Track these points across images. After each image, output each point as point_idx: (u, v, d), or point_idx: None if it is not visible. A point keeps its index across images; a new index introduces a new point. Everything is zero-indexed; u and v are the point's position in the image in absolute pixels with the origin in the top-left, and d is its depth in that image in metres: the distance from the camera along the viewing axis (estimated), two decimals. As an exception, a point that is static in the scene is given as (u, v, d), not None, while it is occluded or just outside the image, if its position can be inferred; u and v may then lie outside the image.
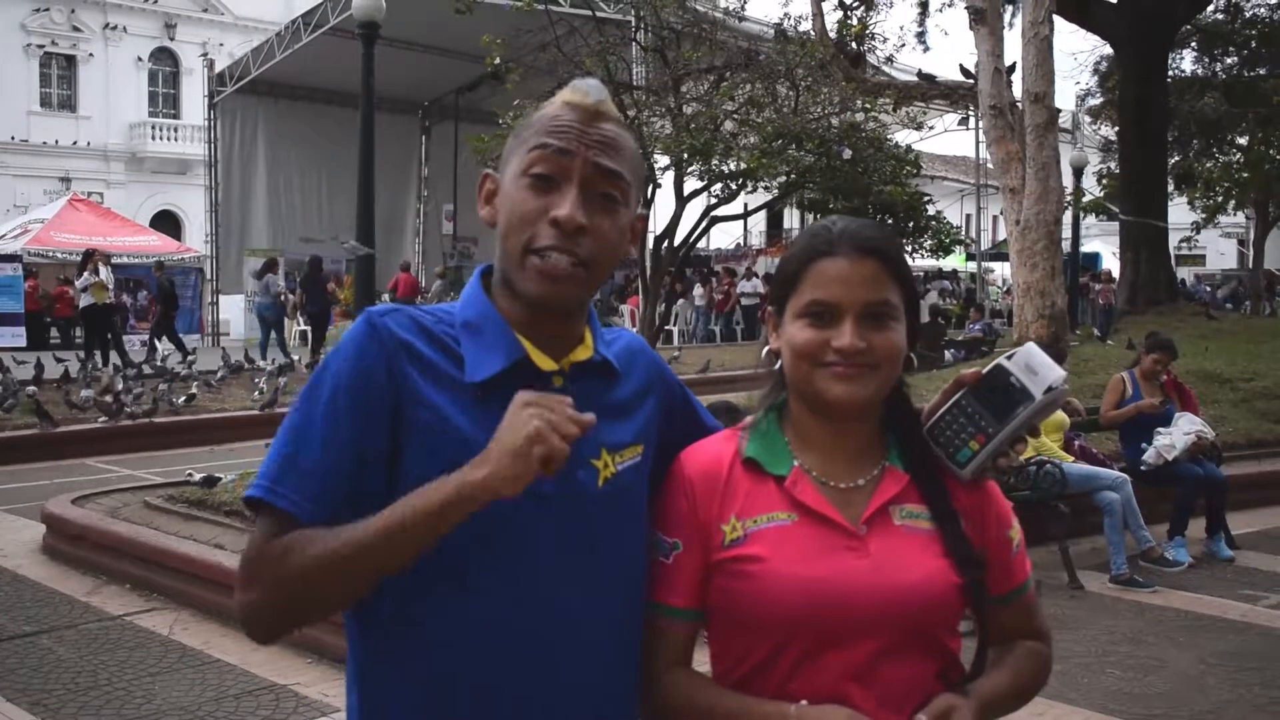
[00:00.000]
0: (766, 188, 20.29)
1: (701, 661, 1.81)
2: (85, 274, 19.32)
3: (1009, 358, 1.76)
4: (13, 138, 37.36)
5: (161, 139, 40.37)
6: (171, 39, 41.22)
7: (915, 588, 1.66)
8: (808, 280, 1.71)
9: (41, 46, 38.64)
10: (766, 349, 1.82)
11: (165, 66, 41.72)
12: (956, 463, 1.75)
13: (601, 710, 1.69)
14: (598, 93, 1.68)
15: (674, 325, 27.07)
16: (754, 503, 1.72)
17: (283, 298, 22.84)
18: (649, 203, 18.38)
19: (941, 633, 1.71)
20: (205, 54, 38.18)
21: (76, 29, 39.19)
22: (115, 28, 39.64)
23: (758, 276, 29.05)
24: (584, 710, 1.66)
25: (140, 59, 40.66)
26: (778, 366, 1.79)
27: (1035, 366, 1.73)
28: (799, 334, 1.71)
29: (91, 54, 39.52)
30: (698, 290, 28.41)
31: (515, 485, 1.46)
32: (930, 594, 1.67)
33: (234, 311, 28.91)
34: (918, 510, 1.72)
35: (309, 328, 23.02)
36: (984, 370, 1.77)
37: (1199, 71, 27.48)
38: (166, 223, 38.47)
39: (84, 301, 19.43)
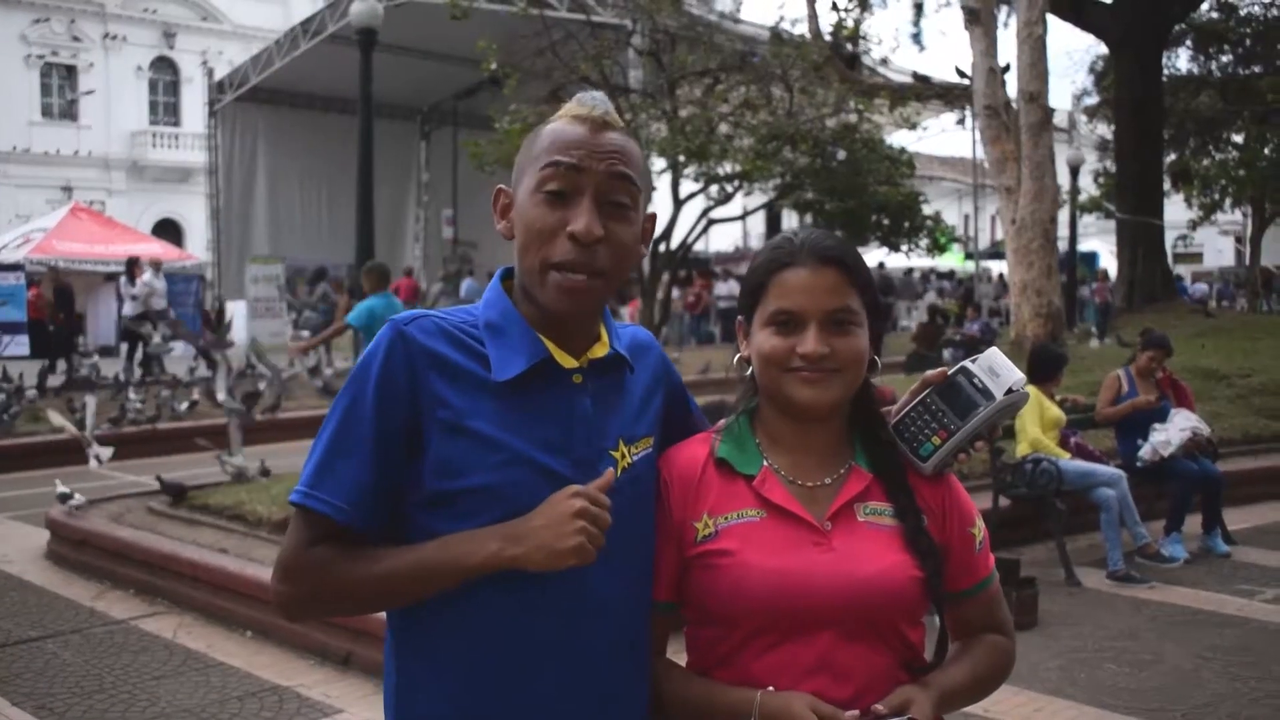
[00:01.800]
0: (762, 189, 20.34)
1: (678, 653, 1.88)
2: (139, 283, 19.21)
3: (973, 360, 1.86)
4: (14, 148, 37.44)
5: (162, 147, 40.44)
6: (171, 48, 41.28)
7: (876, 579, 1.74)
8: (772, 290, 1.80)
9: (42, 57, 38.71)
10: (738, 356, 1.90)
11: (165, 75, 41.80)
12: (920, 456, 1.84)
13: (620, 684, 1.78)
14: (603, 104, 1.77)
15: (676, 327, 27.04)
16: (725, 501, 1.80)
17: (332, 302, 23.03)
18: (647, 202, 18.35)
19: (903, 623, 1.79)
20: (205, 62, 38.23)
21: (76, 39, 39.26)
22: (115, 37, 39.72)
23: (735, 278, 28.72)
24: (605, 683, 1.76)
25: (140, 68, 40.74)
26: (749, 373, 1.87)
27: (997, 369, 1.83)
28: (766, 342, 1.79)
29: (92, 63, 39.59)
30: (674, 293, 27.94)
31: (547, 565, 1.61)
32: (890, 585, 1.74)
33: (236, 318, 28.94)
34: (881, 507, 1.80)
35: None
36: (949, 371, 1.87)
37: (1194, 70, 27.50)
38: (168, 230, 38.51)
39: (132, 310, 19.27)
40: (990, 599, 1.90)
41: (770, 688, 1.71)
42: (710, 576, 1.77)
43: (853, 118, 18.79)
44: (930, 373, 1.89)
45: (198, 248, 33.81)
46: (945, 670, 1.82)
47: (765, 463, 1.83)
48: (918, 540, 1.78)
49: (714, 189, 18.47)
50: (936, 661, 1.84)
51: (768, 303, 1.80)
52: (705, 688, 1.79)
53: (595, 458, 1.72)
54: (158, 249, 27.09)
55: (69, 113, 39.61)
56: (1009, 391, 1.81)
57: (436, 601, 1.70)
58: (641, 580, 1.81)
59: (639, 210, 1.78)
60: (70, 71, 39.55)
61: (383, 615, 1.80)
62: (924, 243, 21.46)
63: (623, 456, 1.77)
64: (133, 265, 19.63)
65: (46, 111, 39.13)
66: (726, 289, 27.77)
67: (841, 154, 17.60)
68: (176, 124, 41.47)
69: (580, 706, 1.73)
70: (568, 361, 1.74)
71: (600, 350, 1.79)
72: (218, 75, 30.30)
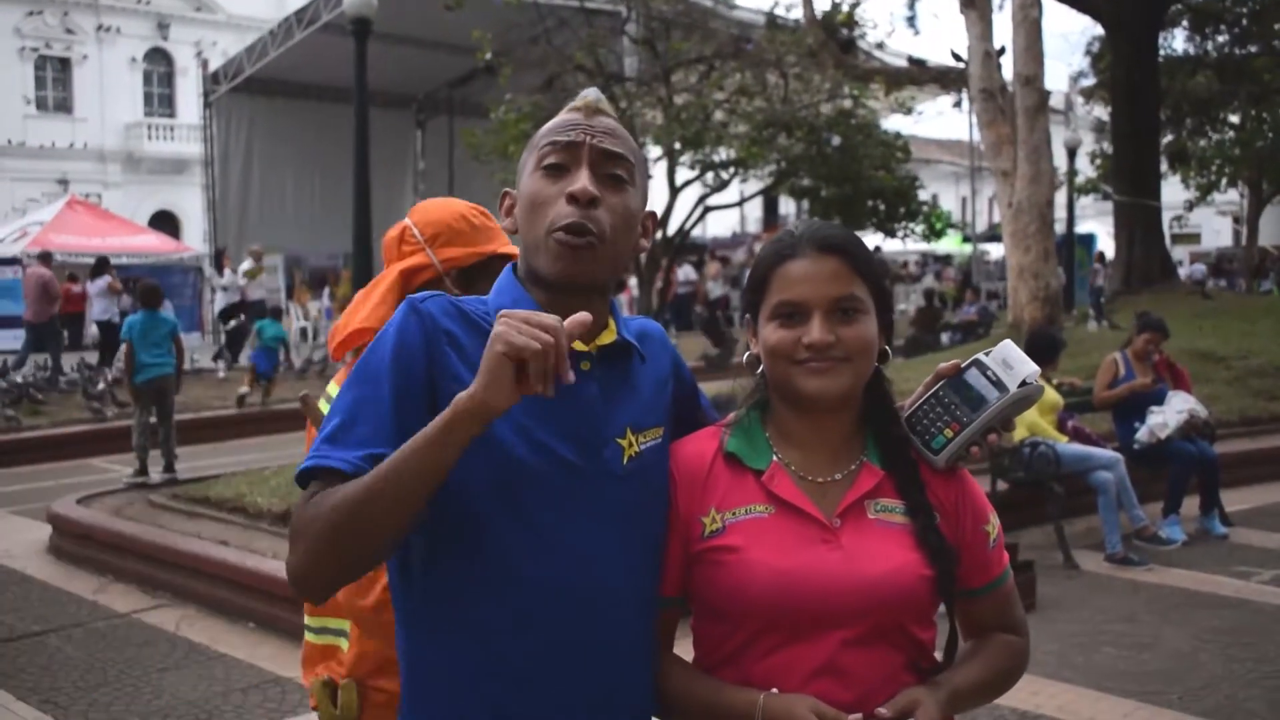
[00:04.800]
0: (758, 176, 20.35)
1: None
2: (227, 273, 19.43)
3: (986, 353, 1.85)
4: (9, 141, 37.32)
5: (158, 139, 40.34)
6: (165, 39, 41.13)
7: (885, 579, 1.71)
8: (775, 283, 1.78)
9: (35, 49, 38.57)
10: (748, 353, 1.89)
11: (159, 67, 41.67)
12: (931, 449, 1.82)
13: (625, 670, 1.78)
14: (595, 94, 1.82)
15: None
16: (733, 495, 1.78)
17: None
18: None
19: (912, 624, 1.76)
20: (199, 53, 38.11)
21: (70, 31, 39.12)
22: (108, 29, 39.57)
23: (691, 264, 28.37)
24: (610, 668, 1.75)
25: (134, 59, 40.60)
26: (760, 369, 1.85)
27: (1011, 361, 1.81)
28: (772, 335, 1.78)
29: (86, 55, 39.44)
30: (632, 281, 25.59)
31: (495, 392, 1.47)
32: (900, 585, 1.71)
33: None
34: (893, 504, 1.78)
35: None
36: (962, 363, 1.85)
37: (1190, 50, 27.44)
38: (165, 222, 38.43)
39: (223, 301, 19.43)
40: (1003, 597, 1.87)
41: (774, 690, 1.69)
42: (715, 573, 1.75)
43: (847, 103, 18.78)
44: (943, 365, 1.86)
45: (195, 239, 33.75)
46: (955, 670, 1.80)
47: (775, 457, 1.80)
48: (928, 538, 1.75)
49: (709, 176, 18.48)
50: (946, 662, 1.81)
51: (771, 296, 1.78)
52: (710, 687, 1.77)
53: (601, 445, 1.73)
54: (154, 241, 27.11)
55: (64, 105, 39.51)
56: (1023, 384, 1.79)
57: (442, 592, 1.71)
58: (651, 572, 1.81)
59: (636, 187, 1.79)
60: (64, 64, 39.43)
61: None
62: (920, 228, 21.48)
63: (630, 445, 1.77)
64: (221, 256, 19.86)
65: (41, 104, 39.01)
66: (683, 274, 27.36)
67: (836, 140, 17.59)
68: (172, 115, 41.35)
69: (588, 698, 1.73)
70: (577, 345, 1.73)
71: (608, 337, 1.79)
72: (212, 66, 30.21)
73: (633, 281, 23.40)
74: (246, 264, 19.81)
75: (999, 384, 1.80)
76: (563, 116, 1.80)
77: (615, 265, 1.78)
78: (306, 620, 2.59)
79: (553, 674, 1.71)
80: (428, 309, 1.71)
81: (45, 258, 17.90)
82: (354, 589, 2.31)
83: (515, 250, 2.48)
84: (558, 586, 1.70)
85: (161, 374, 10.10)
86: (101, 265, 18.63)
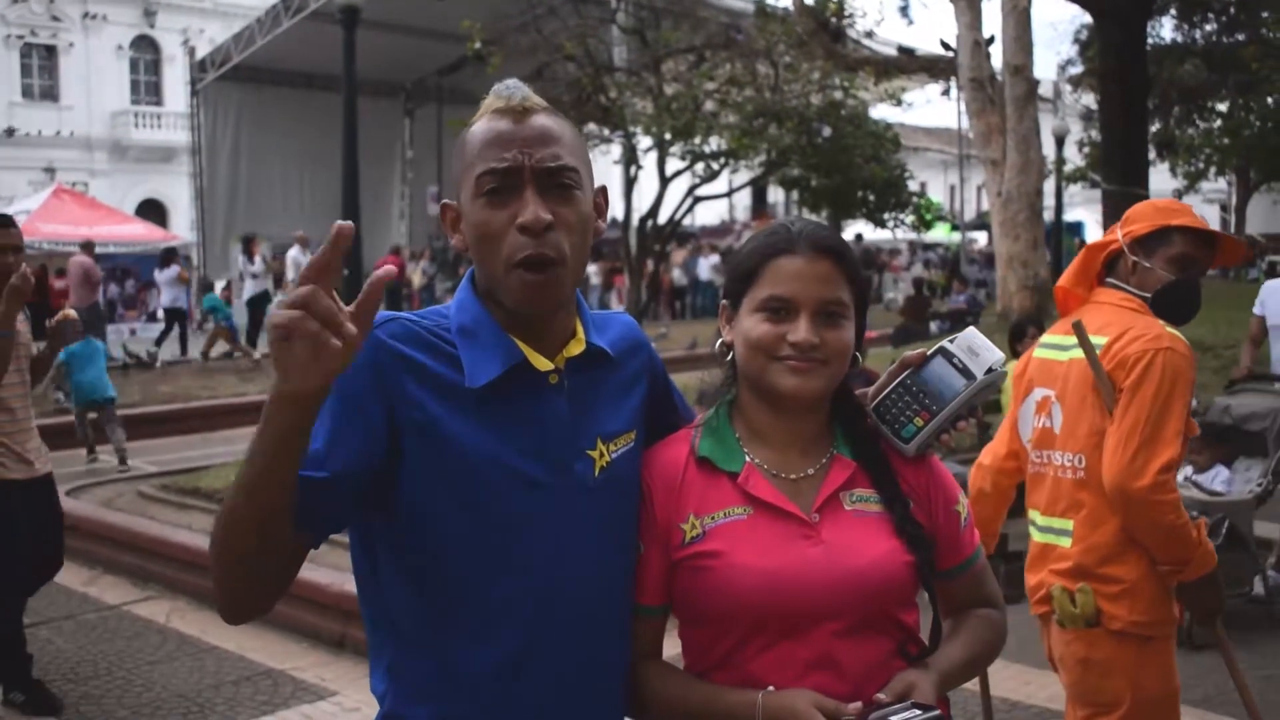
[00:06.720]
0: (748, 166, 20.34)
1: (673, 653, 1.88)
2: (257, 260, 19.73)
3: (951, 340, 1.86)
4: (-5, 129, 37.15)
5: (144, 127, 40.13)
6: (152, 26, 40.89)
7: (869, 570, 1.73)
8: (766, 276, 1.78)
9: (21, 37, 38.31)
10: (720, 341, 1.88)
11: (146, 54, 41.43)
12: (902, 438, 1.84)
13: (602, 678, 1.78)
14: (519, 90, 1.74)
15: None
16: (710, 500, 1.79)
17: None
18: (632, 181, 18.48)
19: (897, 610, 1.78)
20: (186, 40, 37.93)
21: (56, 19, 38.86)
22: (95, 16, 39.32)
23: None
24: (586, 678, 1.75)
25: (121, 47, 40.38)
26: (729, 359, 1.86)
27: (977, 348, 1.83)
28: (756, 328, 1.77)
29: (72, 43, 39.20)
30: (592, 268, 25.64)
31: (290, 373, 1.37)
32: (883, 574, 1.74)
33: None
34: (867, 494, 1.80)
35: None
36: (928, 352, 1.87)
37: (1179, 38, 27.48)
38: (152, 211, 38.27)
39: (251, 290, 19.68)
40: (977, 574, 1.91)
41: (770, 687, 1.69)
42: (701, 579, 1.75)
43: (838, 94, 18.77)
44: (909, 354, 1.88)
45: (183, 228, 33.63)
46: (942, 652, 1.82)
47: (747, 458, 1.81)
48: (906, 528, 1.77)
49: (700, 166, 18.47)
50: (933, 646, 1.83)
51: (759, 289, 1.78)
52: (705, 691, 1.77)
53: (572, 459, 1.71)
54: (141, 229, 27.00)
55: (50, 93, 39.30)
56: (989, 370, 1.81)
57: (413, 609, 1.70)
58: (625, 578, 1.80)
59: (584, 188, 1.74)
60: (50, 51, 39.19)
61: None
62: (909, 219, 21.50)
63: (600, 455, 1.75)
64: (250, 243, 20.21)
65: (27, 92, 38.78)
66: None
67: (827, 131, 17.59)
68: (159, 103, 41.13)
69: (560, 708, 1.73)
70: (543, 364, 1.72)
71: (576, 347, 1.76)
72: (199, 54, 30.14)
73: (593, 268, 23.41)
74: (294, 251, 20.21)
75: (965, 371, 1.82)
76: (491, 126, 1.70)
77: (577, 277, 1.74)
78: (1032, 516, 3.15)
79: (522, 686, 1.70)
80: (381, 335, 1.64)
81: (88, 247, 18.34)
82: (1125, 470, 2.71)
83: (1195, 222, 2.91)
84: (530, 601, 1.68)
85: (90, 398, 10.44)
86: (169, 255, 19.75)
